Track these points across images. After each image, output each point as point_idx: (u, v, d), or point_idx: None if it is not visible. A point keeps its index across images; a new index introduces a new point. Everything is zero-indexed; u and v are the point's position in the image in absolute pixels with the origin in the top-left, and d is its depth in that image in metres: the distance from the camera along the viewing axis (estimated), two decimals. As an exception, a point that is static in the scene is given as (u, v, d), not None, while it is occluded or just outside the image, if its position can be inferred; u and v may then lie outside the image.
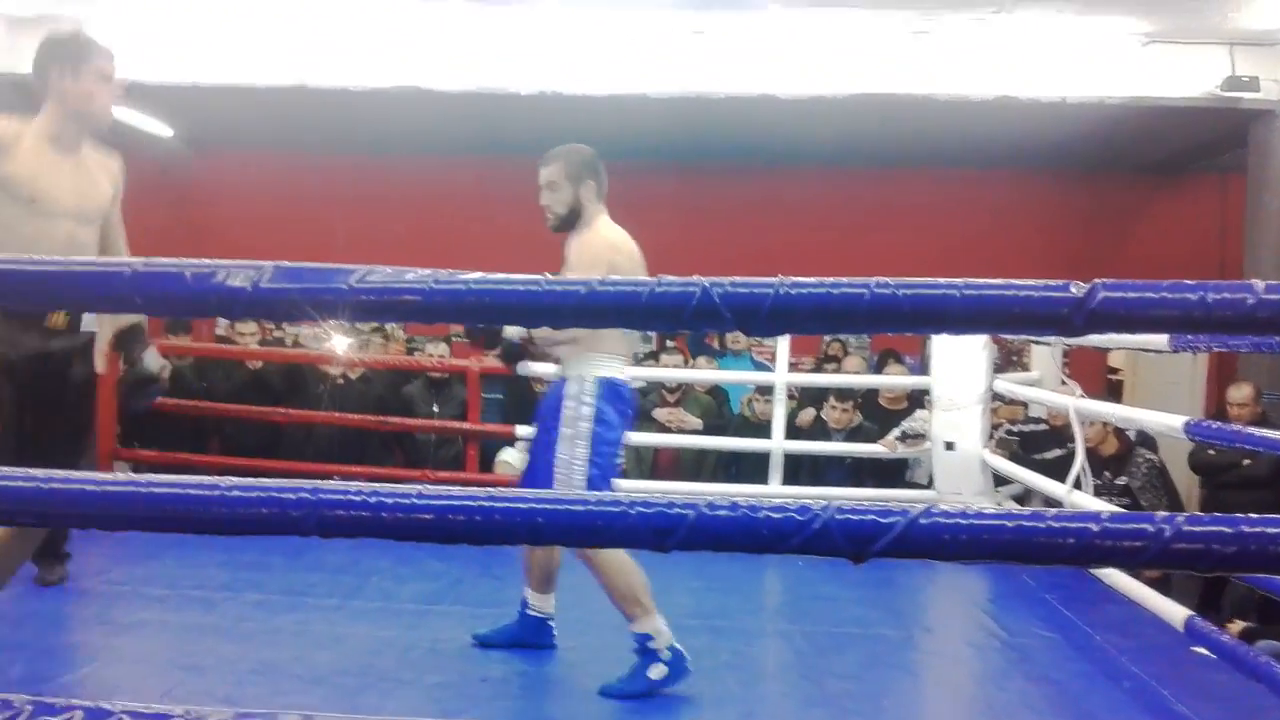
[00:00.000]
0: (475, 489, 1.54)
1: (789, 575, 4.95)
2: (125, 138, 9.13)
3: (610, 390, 3.33)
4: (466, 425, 6.21)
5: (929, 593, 4.97)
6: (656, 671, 3.24)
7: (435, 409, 6.52)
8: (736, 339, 7.28)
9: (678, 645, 3.28)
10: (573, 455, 3.29)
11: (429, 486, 1.51)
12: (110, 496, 1.55)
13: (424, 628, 3.91)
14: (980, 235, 9.49)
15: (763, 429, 6.06)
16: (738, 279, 1.42)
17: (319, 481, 1.55)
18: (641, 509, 1.46)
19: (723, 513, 1.44)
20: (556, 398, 3.37)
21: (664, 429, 6.31)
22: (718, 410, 6.56)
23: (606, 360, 3.35)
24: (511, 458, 6.56)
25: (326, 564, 4.65)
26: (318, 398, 6.54)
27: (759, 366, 7.49)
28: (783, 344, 5.77)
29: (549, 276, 1.47)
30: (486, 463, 6.07)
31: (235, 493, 1.54)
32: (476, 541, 1.52)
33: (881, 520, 1.40)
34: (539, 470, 3.37)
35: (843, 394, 6.10)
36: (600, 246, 3.32)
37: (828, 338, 8.13)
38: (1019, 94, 6.88)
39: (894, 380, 6.40)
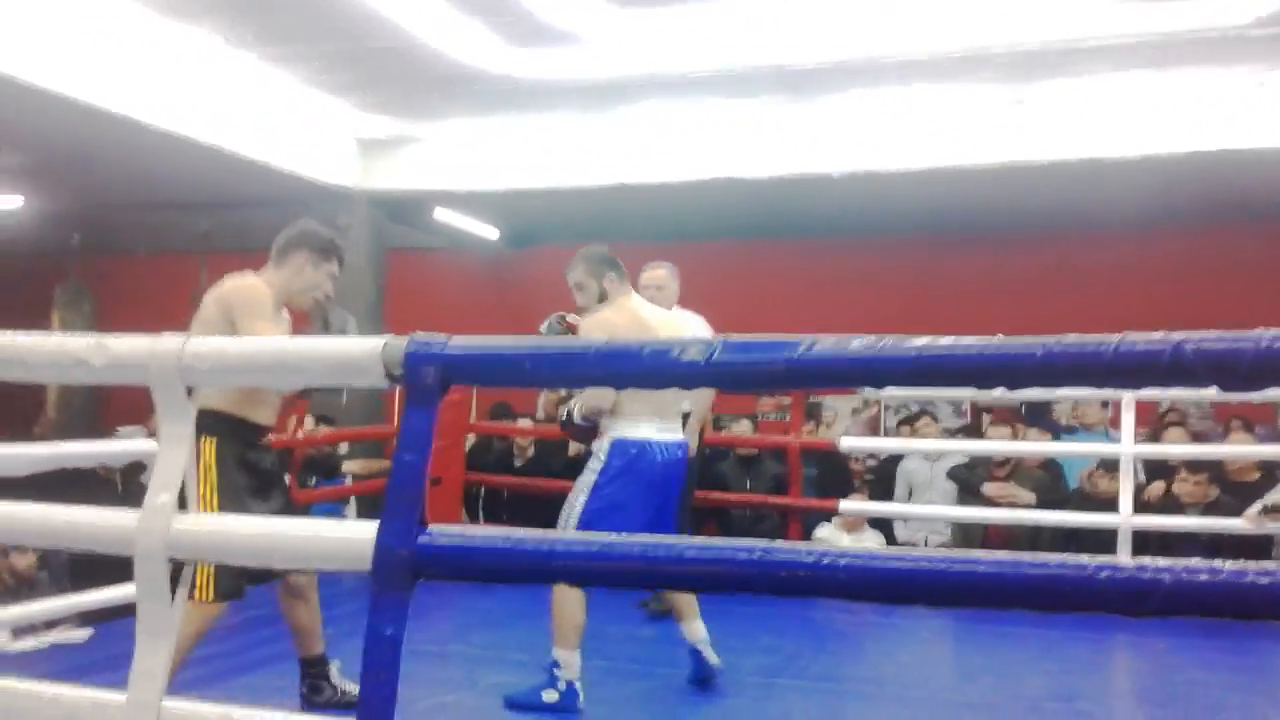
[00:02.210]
0: (924, 551, 1.56)
1: (1143, 655, 4.66)
2: (459, 240, 10.06)
3: (621, 449, 3.66)
4: (788, 500, 6.23)
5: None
6: (549, 695, 3.56)
7: (747, 485, 6.58)
8: (1086, 414, 6.92)
9: (578, 687, 3.58)
10: (574, 503, 3.67)
11: (881, 548, 1.54)
12: (580, 554, 1.67)
13: (773, 700, 3.92)
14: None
15: (1102, 504, 5.74)
16: (1210, 334, 1.38)
17: (770, 542, 1.61)
18: (1111, 573, 1.42)
19: (1203, 577, 1.38)
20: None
21: (993, 504, 6.09)
22: (1052, 485, 6.25)
23: (624, 424, 3.69)
24: (828, 534, 6.54)
25: (663, 631, 4.73)
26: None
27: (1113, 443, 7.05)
28: (1128, 414, 5.45)
29: (1001, 338, 1.49)
30: (806, 538, 6.07)
31: (691, 553, 1.63)
32: (933, 603, 1.53)
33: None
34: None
35: (1195, 466, 5.68)
36: (601, 319, 3.71)
37: (1163, 406, 7.61)
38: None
39: (1265, 451, 5.89)
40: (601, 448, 3.71)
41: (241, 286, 3.31)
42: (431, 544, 1.74)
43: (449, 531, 1.80)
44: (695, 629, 3.92)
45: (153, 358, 1.88)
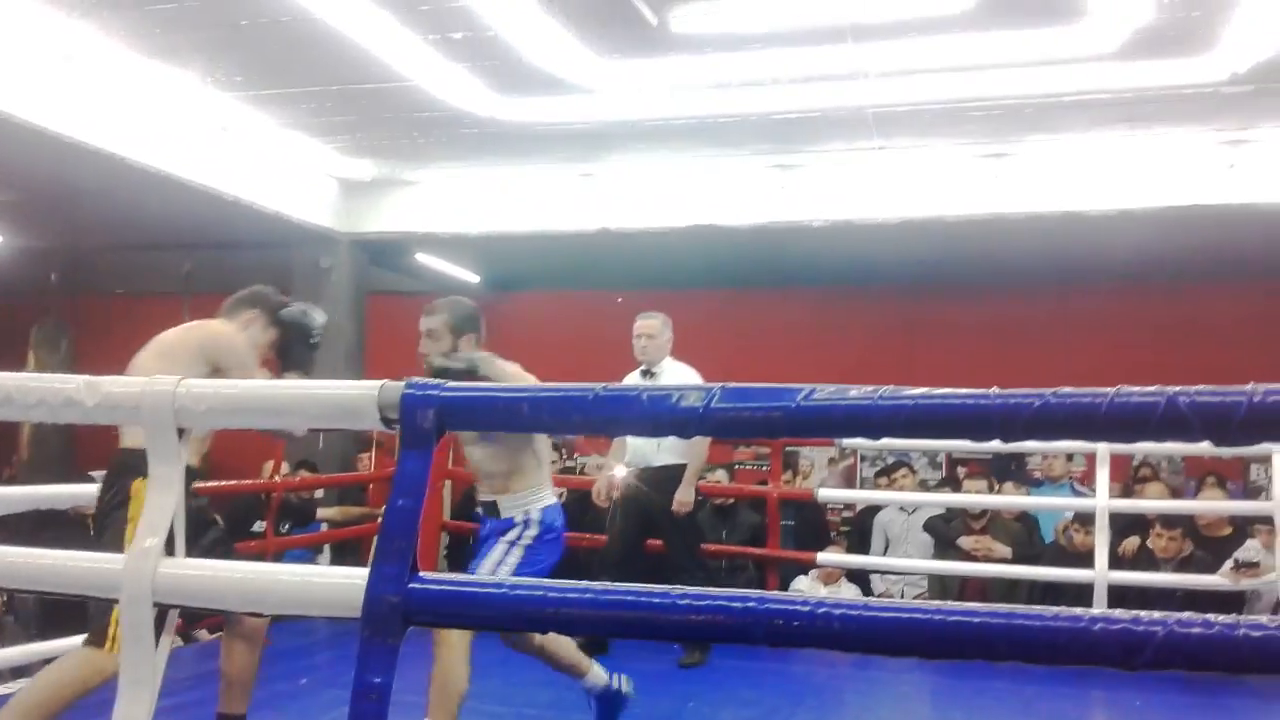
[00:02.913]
0: (918, 602, 1.56)
1: (1119, 711, 4.67)
2: (440, 284, 10.07)
3: (552, 515, 3.59)
4: (767, 551, 6.22)
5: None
6: None
7: (723, 535, 6.56)
8: (1052, 466, 6.98)
9: None
10: (502, 563, 3.46)
11: (874, 599, 1.54)
12: (574, 601, 1.66)
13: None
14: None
15: (1079, 558, 5.76)
16: (1203, 387, 1.40)
17: (764, 591, 1.61)
18: (1105, 625, 1.43)
19: (1196, 630, 1.39)
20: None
21: (970, 557, 6.11)
22: (1027, 538, 6.28)
23: (541, 490, 3.60)
24: (806, 586, 6.52)
25: (643, 687, 4.68)
26: (610, 522, 6.70)
27: (1078, 495, 7.12)
28: (1102, 469, 5.49)
29: (997, 390, 1.50)
30: (783, 589, 6.04)
31: (686, 601, 1.63)
32: (927, 654, 1.53)
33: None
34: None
35: (1170, 521, 5.72)
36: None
37: (1136, 460, 7.68)
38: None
39: (1240, 506, 5.96)
40: (532, 512, 3.54)
41: (229, 336, 3.29)
42: (423, 590, 1.73)
43: (441, 578, 1.79)
44: (596, 675, 3.74)
45: (146, 398, 1.87)
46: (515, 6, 5.07)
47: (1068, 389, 1.48)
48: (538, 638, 3.56)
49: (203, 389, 1.88)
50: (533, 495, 3.59)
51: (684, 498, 5.34)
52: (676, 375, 5.36)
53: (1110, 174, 6.83)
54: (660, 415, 1.64)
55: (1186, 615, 1.42)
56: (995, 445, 5.87)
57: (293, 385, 1.85)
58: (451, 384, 1.77)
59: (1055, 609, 1.47)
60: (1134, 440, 1.47)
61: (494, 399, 1.79)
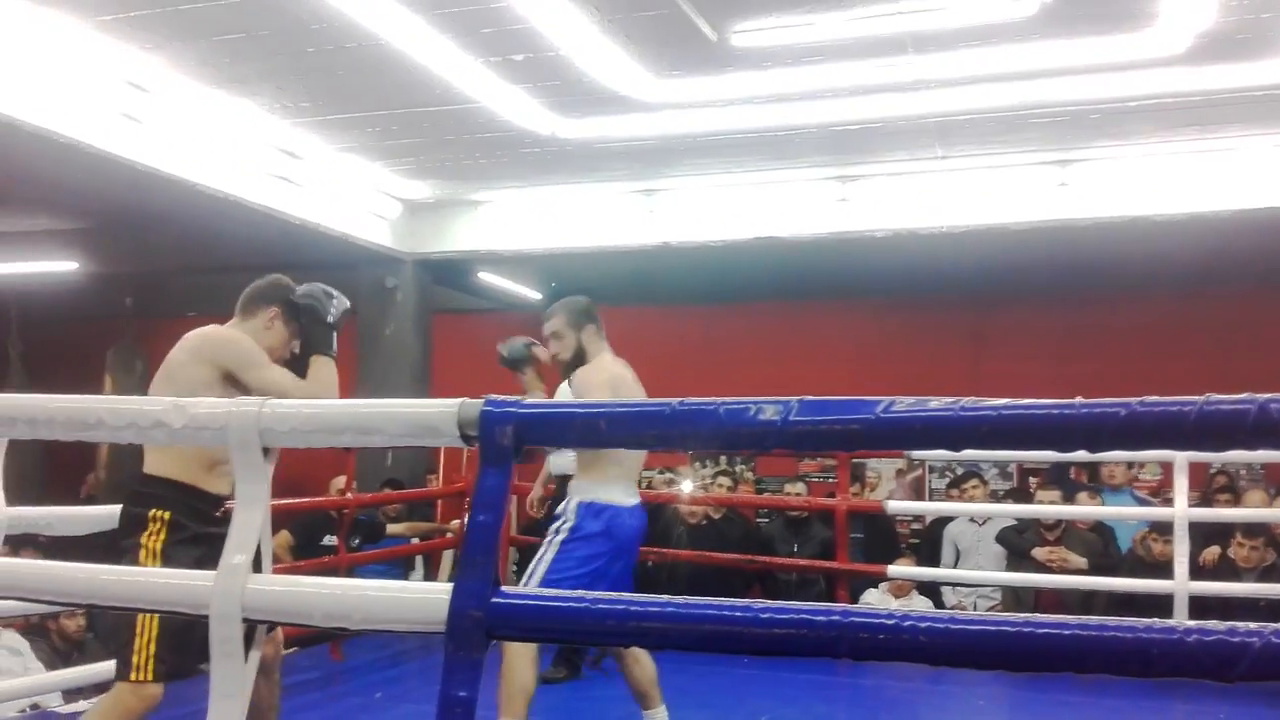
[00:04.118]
0: (1006, 614, 1.54)
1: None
2: (503, 302, 10.16)
3: (593, 511, 3.57)
4: (836, 564, 6.17)
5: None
6: None
7: (795, 548, 6.53)
8: (1113, 473, 6.87)
9: None
10: (540, 560, 3.54)
11: (977, 607, 1.53)
12: (656, 615, 1.67)
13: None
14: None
15: (1157, 568, 5.65)
16: (1297, 393, 1.38)
17: (847, 605, 1.60)
18: (1200, 636, 1.40)
19: (1295, 640, 1.36)
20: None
21: (1045, 569, 6.01)
22: (1104, 548, 6.16)
23: (595, 485, 3.61)
24: (876, 599, 6.46)
25: (714, 702, 4.69)
26: (678, 538, 6.71)
27: (1140, 502, 7.00)
28: (1181, 478, 5.38)
29: (1081, 400, 1.48)
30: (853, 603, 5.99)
31: (767, 614, 1.63)
32: (1015, 668, 1.51)
33: None
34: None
35: (1252, 530, 5.60)
36: (600, 375, 3.67)
37: (1214, 468, 7.51)
38: None
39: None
40: (570, 508, 3.61)
41: (227, 338, 3.13)
42: (506, 604, 1.74)
43: (523, 592, 1.81)
44: (661, 716, 3.72)
45: (232, 419, 1.91)
46: (575, 27, 5.12)
47: (1154, 397, 1.46)
48: (629, 653, 3.60)
49: (286, 409, 1.92)
50: (584, 489, 3.62)
51: (531, 496, 5.75)
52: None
53: (1178, 179, 6.72)
54: (739, 429, 1.64)
55: (1283, 625, 1.39)
56: (1072, 455, 5.79)
57: (373, 404, 1.88)
58: (529, 400, 1.79)
59: (1147, 620, 1.45)
60: (1224, 449, 1.44)
61: (572, 415, 1.80)
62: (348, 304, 3.37)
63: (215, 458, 3.03)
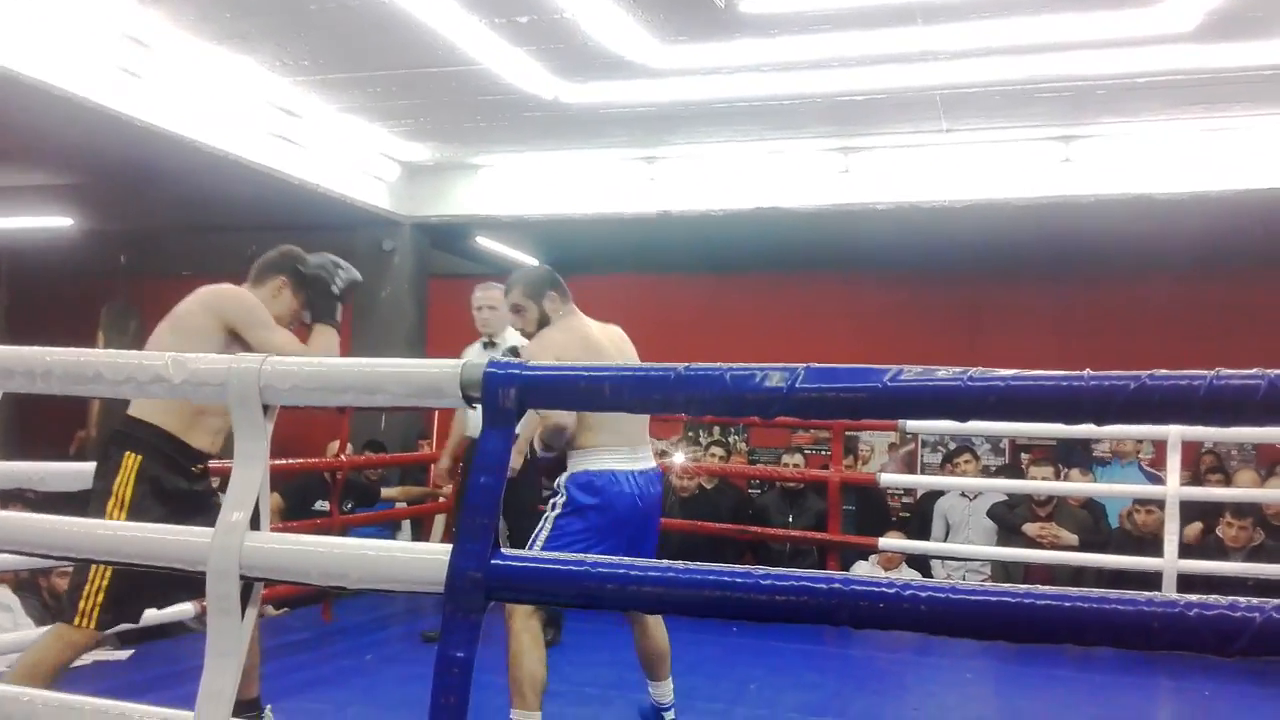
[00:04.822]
0: (1006, 585, 1.54)
1: (1187, 700, 4.59)
2: (500, 268, 10.12)
3: (583, 482, 3.40)
4: (827, 536, 6.19)
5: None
6: None
7: (790, 519, 6.55)
8: (1123, 443, 6.88)
9: None
10: (535, 538, 3.39)
11: (960, 582, 1.53)
12: (655, 579, 1.66)
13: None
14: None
15: (1144, 543, 5.68)
16: (1308, 369, 1.37)
17: (847, 573, 1.60)
18: (1200, 610, 1.41)
19: (1296, 617, 1.37)
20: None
21: (1035, 544, 6.03)
22: (1094, 525, 6.19)
23: (586, 455, 3.43)
24: (867, 571, 6.49)
25: (703, 669, 4.72)
26: (670, 507, 6.72)
27: (1151, 478, 7.01)
28: (1174, 456, 5.39)
29: (1090, 372, 1.48)
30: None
31: (768, 581, 1.62)
32: (1015, 639, 1.51)
33: None
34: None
35: (1241, 510, 5.62)
36: (555, 336, 3.52)
37: (1204, 447, 7.54)
38: None
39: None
40: (561, 481, 3.46)
41: (237, 295, 3.17)
42: (505, 566, 1.74)
43: (523, 555, 1.81)
44: (664, 690, 3.64)
45: (232, 375, 1.90)
46: (581, -11, 5.07)
47: (1164, 371, 1.45)
48: (646, 619, 3.51)
49: (287, 366, 1.91)
50: (575, 460, 3.46)
51: (439, 466, 5.70)
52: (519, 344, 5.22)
53: (1183, 157, 6.70)
54: (745, 395, 1.63)
55: (1284, 601, 1.39)
56: (1060, 430, 5.80)
57: (376, 363, 1.86)
58: (534, 363, 1.78)
59: (1148, 594, 1.45)
60: (1232, 424, 1.44)
61: (575, 378, 1.79)
62: (357, 276, 3.41)
63: (199, 411, 3.07)
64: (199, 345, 2.92)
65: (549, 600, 1.85)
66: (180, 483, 3.07)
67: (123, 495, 2.96)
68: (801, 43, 5.62)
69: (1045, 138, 6.88)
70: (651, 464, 3.58)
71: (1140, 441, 7.27)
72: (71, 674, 3.85)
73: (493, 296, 5.18)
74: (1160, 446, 6.37)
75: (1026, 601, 1.46)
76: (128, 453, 3.00)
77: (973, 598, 1.50)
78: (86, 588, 2.90)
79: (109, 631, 3.09)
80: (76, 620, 2.90)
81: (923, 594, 1.53)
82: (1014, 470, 7.85)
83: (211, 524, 1.88)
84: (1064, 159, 6.88)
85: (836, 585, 1.58)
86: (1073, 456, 7.10)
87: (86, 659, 4.45)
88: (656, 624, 3.56)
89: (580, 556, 1.72)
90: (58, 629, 2.96)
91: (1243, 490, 6.06)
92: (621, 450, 3.48)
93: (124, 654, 4.67)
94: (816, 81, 6.11)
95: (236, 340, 3.07)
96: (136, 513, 2.92)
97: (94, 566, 2.87)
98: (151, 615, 4.02)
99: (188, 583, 1.99)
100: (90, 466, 3.20)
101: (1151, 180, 6.75)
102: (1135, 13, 5.17)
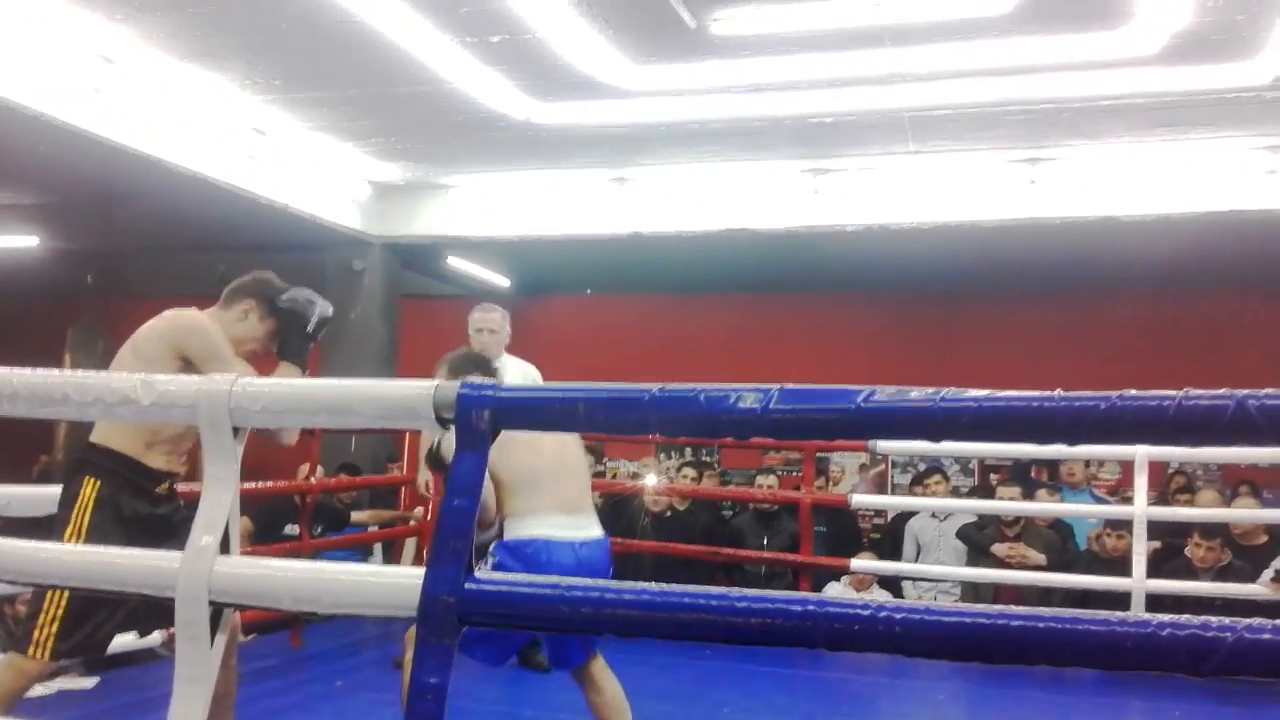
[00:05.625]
0: (980, 605, 1.55)
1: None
2: (471, 288, 10.10)
3: (514, 552, 3.10)
4: (799, 557, 6.19)
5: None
6: None
7: (764, 540, 6.55)
8: (1072, 471, 6.94)
9: None
10: None
11: (937, 602, 1.53)
12: (630, 602, 1.66)
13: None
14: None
15: (1112, 565, 5.72)
16: (1272, 391, 1.39)
17: (820, 594, 1.59)
18: (1173, 630, 1.41)
19: (1267, 636, 1.38)
20: None
21: (1003, 564, 6.06)
22: (1062, 545, 6.23)
23: (514, 521, 3.16)
24: (839, 592, 6.49)
25: (677, 693, 4.69)
26: (642, 529, 6.71)
27: (1099, 501, 7.08)
28: (1141, 476, 5.43)
29: (1061, 392, 1.49)
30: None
31: (744, 604, 1.62)
32: (988, 659, 1.52)
33: None
34: None
35: (1209, 530, 5.67)
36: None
37: (1172, 467, 7.61)
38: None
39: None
40: (491, 547, 3.17)
41: (194, 326, 3.09)
42: (478, 590, 1.73)
43: (497, 578, 1.79)
44: None
45: (202, 397, 1.88)
46: (554, 10, 5.08)
47: (1134, 391, 1.46)
48: (593, 674, 3.28)
49: (258, 388, 1.89)
50: (507, 525, 3.19)
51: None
52: (516, 370, 5.22)
53: (1149, 179, 6.79)
54: (719, 416, 1.63)
55: (1257, 621, 1.40)
56: (1028, 450, 5.84)
57: (348, 384, 1.85)
58: (508, 384, 1.78)
59: (1121, 614, 1.46)
60: (1201, 444, 1.45)
61: (549, 399, 1.79)
62: (329, 312, 3.36)
63: (156, 433, 3.02)
64: (156, 372, 2.85)
65: (523, 625, 1.83)
66: (142, 506, 3.01)
67: (80, 523, 2.91)
68: (771, 64, 5.66)
69: (1012, 160, 6.96)
70: (596, 531, 3.28)
71: (1090, 467, 7.34)
72: (33, 703, 3.78)
73: (492, 319, 5.17)
74: (1126, 467, 6.43)
75: (1000, 622, 1.46)
76: (87, 477, 2.95)
77: (947, 619, 1.50)
78: (40, 617, 2.83)
79: (66, 662, 3.03)
80: (30, 650, 2.83)
81: (898, 615, 1.53)
82: (984, 491, 7.89)
83: (180, 548, 1.86)
84: (1030, 180, 6.96)
85: (811, 607, 1.57)
86: (1025, 481, 7.15)
87: (51, 687, 4.38)
88: (604, 677, 3.29)
89: (555, 580, 1.71)
90: (10, 658, 2.89)
91: (1212, 510, 6.11)
92: (554, 516, 3.16)
93: (89, 682, 4.58)
94: (786, 103, 6.15)
95: (190, 370, 2.97)
96: (94, 540, 2.84)
97: (49, 594, 2.81)
98: (118, 642, 3.97)
99: (154, 610, 1.96)
100: (56, 490, 3.15)
101: (1117, 202, 6.84)
102: (1101, 36, 5.24)
